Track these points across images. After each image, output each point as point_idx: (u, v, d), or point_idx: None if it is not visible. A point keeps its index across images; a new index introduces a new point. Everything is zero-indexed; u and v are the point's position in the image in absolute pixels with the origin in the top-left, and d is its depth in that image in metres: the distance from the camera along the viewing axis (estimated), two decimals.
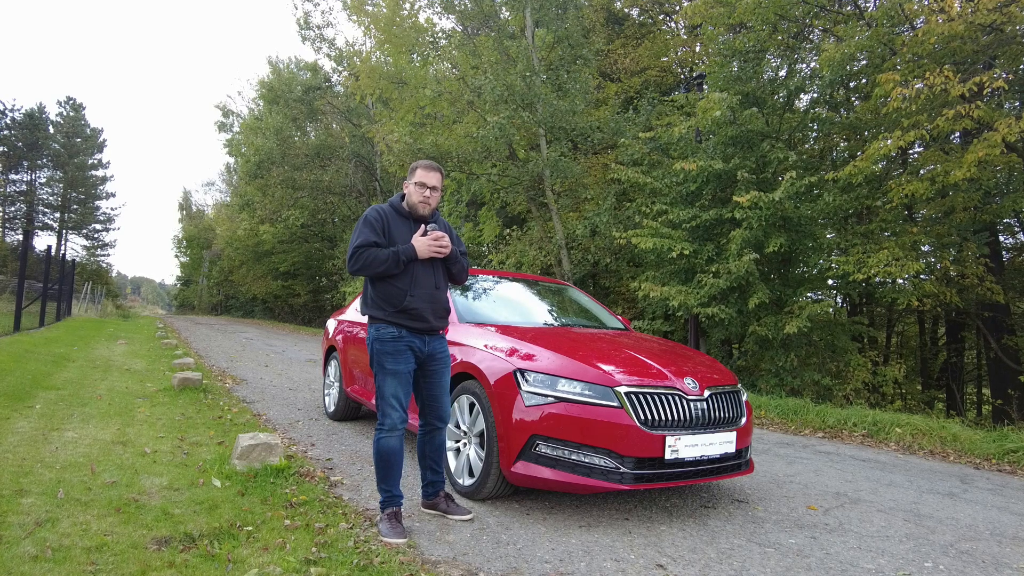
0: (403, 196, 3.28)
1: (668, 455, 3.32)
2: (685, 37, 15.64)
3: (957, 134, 9.25)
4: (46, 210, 48.33)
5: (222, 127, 33.14)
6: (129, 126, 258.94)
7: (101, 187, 50.82)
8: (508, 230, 15.03)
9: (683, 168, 9.07)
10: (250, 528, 2.96)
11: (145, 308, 62.22)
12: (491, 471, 3.52)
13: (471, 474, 3.71)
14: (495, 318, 4.50)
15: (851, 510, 3.87)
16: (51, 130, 48.32)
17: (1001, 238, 11.09)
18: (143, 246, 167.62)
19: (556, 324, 4.74)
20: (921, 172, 8.61)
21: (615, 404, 3.33)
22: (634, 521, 3.46)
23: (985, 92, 7.32)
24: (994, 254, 10.09)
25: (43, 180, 48.30)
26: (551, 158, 12.93)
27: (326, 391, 6.29)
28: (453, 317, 4.35)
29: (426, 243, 3.10)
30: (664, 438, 3.31)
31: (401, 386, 3.13)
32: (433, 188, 3.18)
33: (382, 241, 3.11)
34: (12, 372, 6.96)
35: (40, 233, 47.20)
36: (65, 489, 3.33)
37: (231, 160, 39.17)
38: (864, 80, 9.96)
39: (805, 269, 9.34)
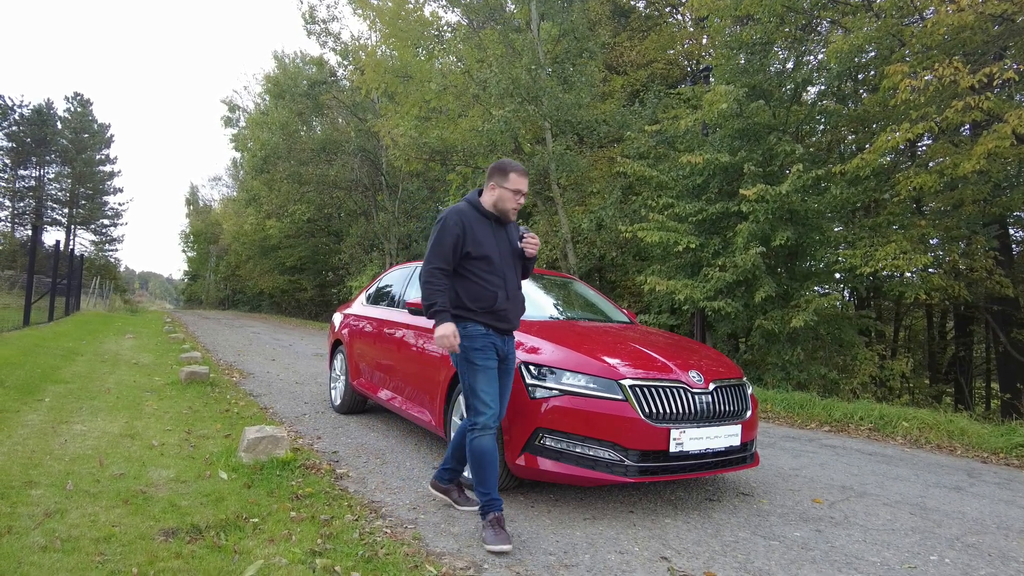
0: (480, 192, 3.28)
1: (673, 448, 3.32)
2: (691, 30, 15.53)
3: (966, 126, 9.15)
4: (54, 205, 48.68)
5: (228, 122, 33.15)
6: (136, 122, 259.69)
7: (109, 182, 51.12)
8: None
9: (689, 161, 9.02)
10: (256, 520, 2.98)
11: (153, 303, 62.62)
12: None
13: None
14: None
15: (857, 503, 3.86)
16: (59, 126, 48.59)
17: (1011, 231, 10.97)
18: (151, 241, 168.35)
19: (561, 318, 4.74)
20: (930, 164, 8.52)
21: (619, 397, 3.33)
22: (638, 514, 3.47)
23: (995, 83, 7.23)
24: (1003, 247, 9.99)
25: (51, 176, 48.64)
26: (556, 152, 12.88)
27: (332, 384, 6.32)
28: None
29: (447, 342, 3.03)
30: (669, 431, 3.31)
31: (492, 382, 3.10)
32: (525, 194, 3.24)
33: (451, 266, 3.11)
34: (22, 366, 7.02)
35: (49, 228, 47.58)
36: (74, 481, 3.36)
37: (237, 155, 39.26)
38: (872, 72, 9.86)
39: (812, 263, 9.28)
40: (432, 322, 4.11)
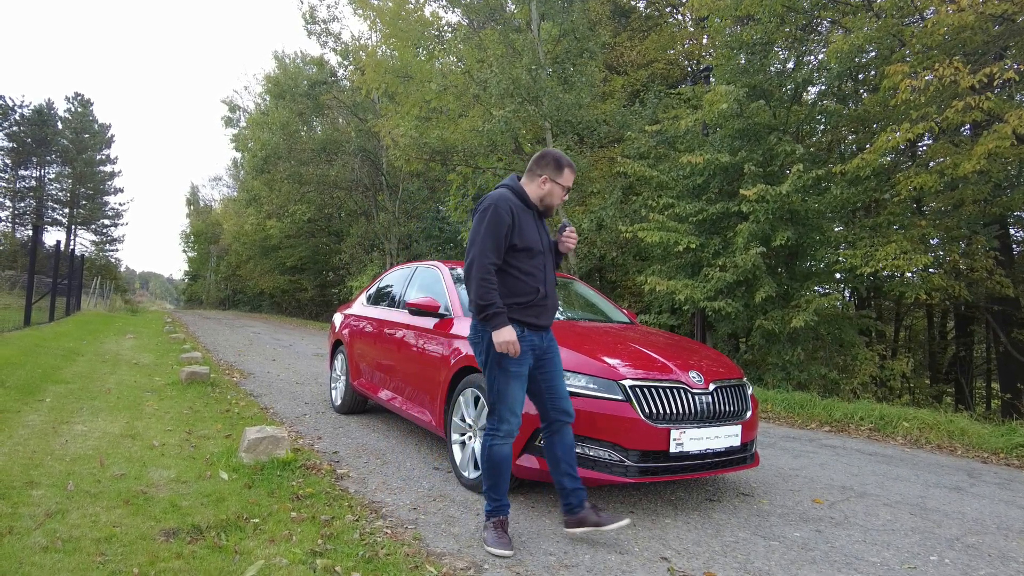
0: (518, 177, 3.11)
1: (673, 448, 3.32)
2: (692, 29, 15.53)
3: (967, 126, 9.15)
4: (55, 206, 48.74)
5: (228, 122, 33.16)
6: (136, 122, 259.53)
7: (109, 182, 51.19)
8: None
9: (690, 161, 9.02)
10: (257, 520, 2.98)
11: (153, 303, 62.65)
12: None
13: (476, 467, 3.73)
14: None
15: (857, 504, 3.86)
16: (59, 126, 48.65)
17: (1011, 231, 10.98)
18: (151, 241, 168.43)
19: (561, 318, 4.73)
20: (930, 165, 8.53)
21: (620, 397, 3.33)
22: (639, 514, 3.47)
23: (995, 83, 7.23)
24: (1004, 247, 10.00)
25: (52, 176, 48.70)
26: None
27: (332, 385, 6.32)
28: (458, 310, 4.37)
29: (511, 348, 2.85)
30: (669, 431, 3.31)
31: (522, 389, 2.97)
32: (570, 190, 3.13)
33: (501, 259, 2.93)
34: (22, 366, 7.03)
35: (49, 229, 47.64)
36: (75, 481, 3.36)
37: (238, 155, 39.27)
38: (872, 72, 9.87)
39: (812, 263, 9.29)
40: (432, 320, 4.12)
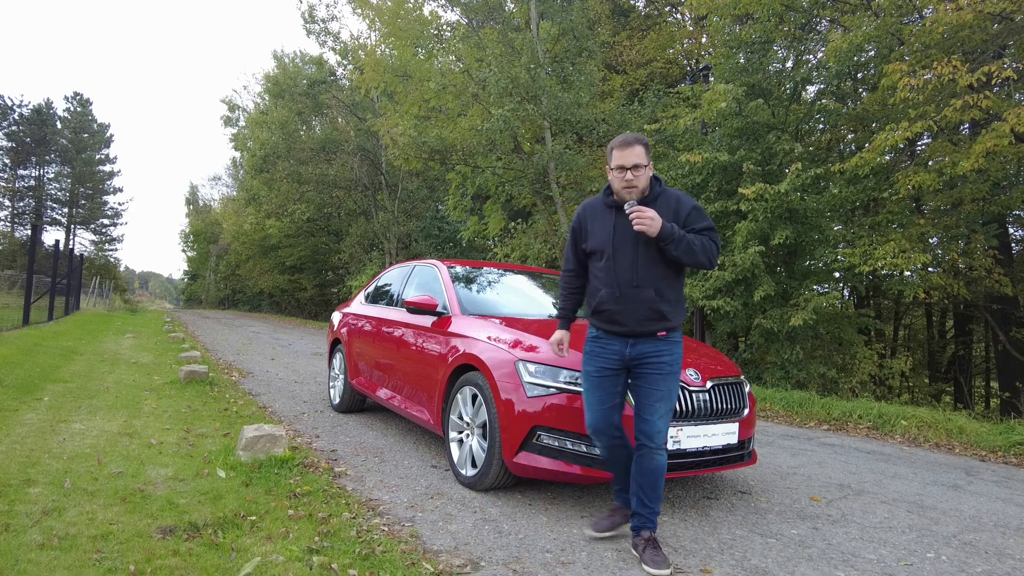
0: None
1: (670, 446, 3.31)
2: (691, 28, 15.54)
3: (965, 125, 9.15)
4: (54, 205, 48.76)
5: (228, 121, 33.16)
6: (136, 122, 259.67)
7: (108, 182, 51.21)
8: (513, 223, 15.01)
9: (689, 160, 9.02)
10: (254, 518, 2.98)
11: (153, 302, 62.68)
12: (493, 462, 3.53)
13: (474, 465, 3.73)
14: (498, 310, 4.51)
15: (854, 501, 3.86)
16: (59, 125, 48.67)
17: (1010, 230, 10.98)
18: (151, 241, 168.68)
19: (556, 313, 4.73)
20: (929, 163, 8.53)
21: None
22: None
23: (994, 82, 7.23)
24: (1003, 246, 10.00)
25: (51, 175, 48.72)
26: (556, 151, 12.88)
27: (331, 383, 6.32)
28: (456, 309, 4.37)
29: (551, 346, 3.15)
30: None
31: (592, 389, 2.90)
32: (635, 167, 2.73)
33: (578, 265, 3.04)
34: (21, 365, 7.03)
35: (48, 228, 47.66)
36: (72, 479, 3.36)
37: (237, 154, 39.28)
38: (871, 71, 9.87)
39: (811, 261, 9.29)
40: (430, 319, 4.18)
